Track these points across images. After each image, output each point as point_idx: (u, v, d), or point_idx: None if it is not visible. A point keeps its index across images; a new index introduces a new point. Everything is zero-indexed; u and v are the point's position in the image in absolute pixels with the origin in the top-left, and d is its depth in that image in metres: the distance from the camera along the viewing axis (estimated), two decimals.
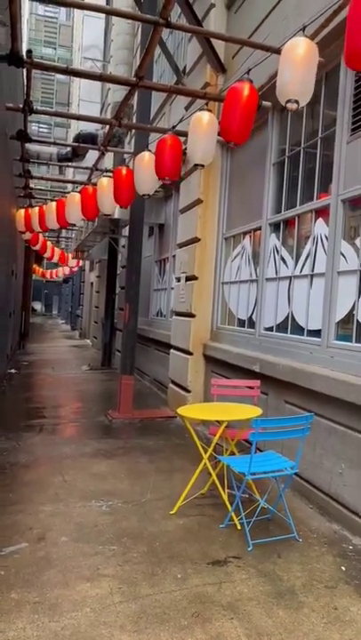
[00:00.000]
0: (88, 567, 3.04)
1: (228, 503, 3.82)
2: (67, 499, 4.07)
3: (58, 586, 2.84)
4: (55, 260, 17.82)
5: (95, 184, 6.35)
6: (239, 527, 3.58)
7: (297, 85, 3.33)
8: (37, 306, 47.64)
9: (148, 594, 2.78)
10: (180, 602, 2.72)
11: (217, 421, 4.13)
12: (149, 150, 5.12)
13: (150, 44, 4.33)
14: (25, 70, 5.00)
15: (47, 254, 15.87)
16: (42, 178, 10.04)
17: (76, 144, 7.95)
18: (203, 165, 4.47)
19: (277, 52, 4.06)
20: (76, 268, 22.80)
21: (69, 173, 20.61)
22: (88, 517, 3.73)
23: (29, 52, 4.55)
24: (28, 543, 3.32)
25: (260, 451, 4.55)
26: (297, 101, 3.38)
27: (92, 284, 19.47)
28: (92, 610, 2.62)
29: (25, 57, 4.55)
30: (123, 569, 3.03)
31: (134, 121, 8.01)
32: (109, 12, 4.24)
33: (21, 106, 5.42)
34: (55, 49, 40.68)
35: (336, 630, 2.52)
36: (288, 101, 3.38)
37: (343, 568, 3.13)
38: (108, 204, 5.98)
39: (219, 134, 4.78)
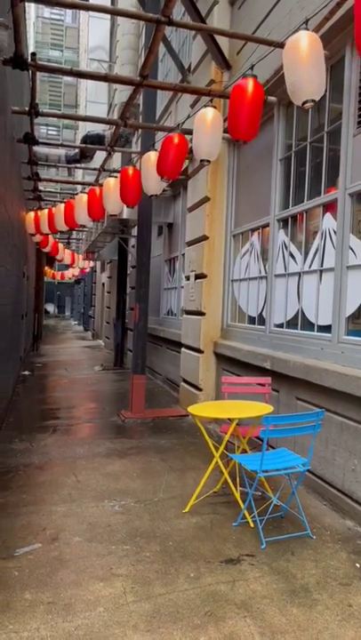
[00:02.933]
0: (101, 567, 3.05)
1: (240, 501, 3.80)
2: (80, 499, 4.08)
3: (71, 586, 2.85)
4: (66, 261, 17.91)
5: (102, 185, 6.36)
6: (252, 525, 3.57)
7: (308, 84, 3.27)
8: (50, 307, 47.91)
9: (161, 593, 2.78)
10: (194, 601, 2.71)
11: (228, 419, 4.11)
12: (155, 150, 5.12)
13: (153, 43, 4.32)
14: (30, 73, 5.01)
15: (59, 256, 15.95)
16: (50, 180, 10.09)
17: (84, 145, 7.95)
18: (209, 161, 4.45)
19: (281, 46, 4.02)
20: (87, 269, 22.90)
21: (79, 175, 20.70)
22: (101, 517, 3.74)
23: (33, 54, 4.57)
24: (41, 544, 3.33)
25: (273, 448, 4.53)
26: (313, 100, 3.34)
27: (103, 284, 19.53)
28: (105, 610, 2.63)
29: (29, 59, 4.57)
30: (136, 568, 3.04)
31: (141, 121, 8.00)
32: (111, 12, 4.24)
33: (27, 109, 5.44)
34: (62, 51, 40.80)
35: (351, 627, 2.50)
36: (305, 102, 3.34)
37: (358, 565, 3.10)
38: (113, 204, 5.98)
39: (225, 131, 4.78)
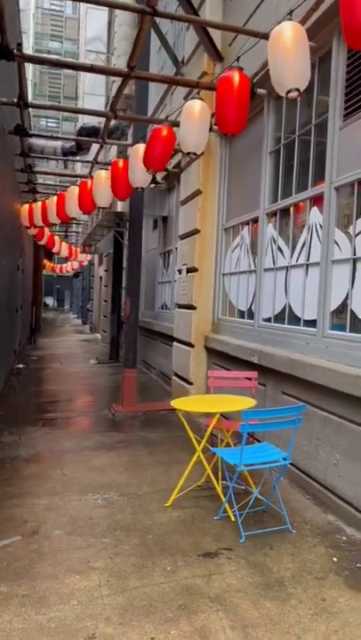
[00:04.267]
0: (79, 560, 3.06)
1: (222, 495, 3.81)
2: (64, 492, 4.09)
3: (47, 579, 2.86)
4: (64, 254, 17.89)
5: (93, 177, 6.33)
6: (233, 519, 3.57)
7: (292, 73, 3.21)
8: (49, 301, 47.91)
9: (136, 586, 2.79)
10: (168, 594, 2.72)
11: (210, 413, 4.11)
12: (145, 142, 5.08)
13: (139, 34, 4.28)
14: (17, 64, 4.97)
15: (55, 249, 15.92)
16: (43, 172, 10.06)
17: (78, 137, 7.91)
18: (195, 154, 4.42)
19: (266, 37, 3.99)
20: (85, 263, 22.87)
21: (78, 168, 20.64)
22: (83, 511, 3.74)
23: (19, 44, 4.53)
24: (21, 536, 3.34)
25: (258, 441, 4.53)
26: (298, 89, 3.29)
27: (100, 278, 19.51)
28: (79, 602, 2.64)
29: (15, 50, 4.53)
30: (113, 562, 3.04)
31: (133, 113, 7.94)
32: (97, 2, 4.19)
33: (16, 100, 5.40)
34: (62, 42, 40.52)
35: (323, 622, 2.50)
36: (289, 91, 3.29)
37: (335, 559, 3.11)
38: (103, 196, 5.96)
39: (215, 124, 4.74)
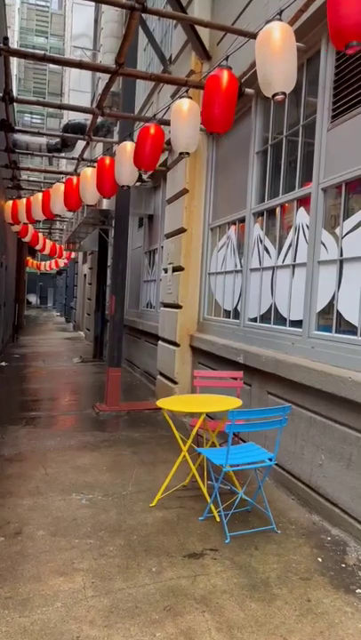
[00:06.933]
0: (63, 561, 3.02)
1: (207, 495, 3.80)
2: (47, 492, 4.04)
3: (31, 580, 2.81)
4: (47, 252, 17.72)
5: (80, 174, 6.27)
6: (218, 519, 3.56)
7: (280, 75, 3.19)
8: (32, 298, 47.51)
9: (120, 588, 2.76)
10: (153, 595, 2.70)
11: (197, 413, 4.10)
12: (132, 140, 5.05)
13: (128, 30, 4.24)
14: (3, 58, 4.89)
15: (39, 246, 15.77)
16: (28, 169, 9.94)
17: (63, 134, 7.83)
18: (188, 153, 4.39)
19: (254, 37, 3.98)
20: (67, 261, 22.69)
21: (63, 164, 20.45)
22: (67, 511, 3.70)
23: (6, 38, 4.46)
24: (4, 537, 3.29)
25: (244, 442, 4.53)
26: (284, 92, 3.28)
27: (85, 275, 19.39)
28: (63, 605, 2.60)
29: (2, 44, 4.47)
30: (98, 563, 3.01)
31: (119, 110, 7.89)
32: None
33: (1, 95, 5.32)
34: (47, 38, 40.13)
35: (308, 622, 2.50)
36: (275, 95, 3.28)
37: (320, 559, 3.11)
38: (90, 194, 5.90)
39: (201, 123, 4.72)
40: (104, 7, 12.85)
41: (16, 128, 6.79)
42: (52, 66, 37.85)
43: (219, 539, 3.34)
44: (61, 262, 23.80)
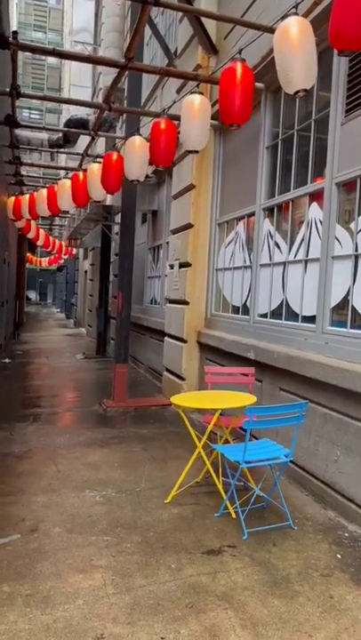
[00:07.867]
0: (81, 558, 3.01)
1: (222, 492, 3.78)
2: (60, 489, 4.03)
3: (50, 578, 2.80)
4: (50, 248, 17.69)
5: (86, 170, 6.24)
6: (234, 516, 3.55)
7: (301, 72, 3.14)
8: (32, 294, 47.40)
9: (141, 585, 2.75)
10: (175, 592, 2.68)
11: (212, 410, 4.08)
12: (140, 134, 5.01)
13: (139, 24, 4.21)
14: (11, 52, 4.85)
15: (40, 242, 15.73)
16: (32, 164, 9.89)
17: (67, 129, 7.79)
18: (197, 151, 4.36)
19: (269, 30, 3.96)
20: (66, 256, 22.64)
21: (62, 160, 20.37)
22: (81, 508, 3.69)
23: (15, 32, 4.42)
24: (20, 535, 3.28)
25: (255, 438, 4.51)
26: (305, 89, 3.25)
27: (85, 272, 19.34)
28: (84, 602, 2.59)
29: (10, 38, 4.42)
30: (116, 560, 3.00)
31: (125, 105, 7.85)
32: None
33: (8, 89, 5.28)
34: (45, 33, 39.82)
35: (332, 619, 2.49)
36: (297, 92, 3.24)
37: (339, 556, 3.10)
38: (97, 190, 5.87)
39: (212, 118, 4.68)
40: (105, 2, 12.77)
41: (21, 124, 6.74)
42: (50, 61, 37.69)
43: (236, 535, 3.33)
44: (62, 259, 23.77)
